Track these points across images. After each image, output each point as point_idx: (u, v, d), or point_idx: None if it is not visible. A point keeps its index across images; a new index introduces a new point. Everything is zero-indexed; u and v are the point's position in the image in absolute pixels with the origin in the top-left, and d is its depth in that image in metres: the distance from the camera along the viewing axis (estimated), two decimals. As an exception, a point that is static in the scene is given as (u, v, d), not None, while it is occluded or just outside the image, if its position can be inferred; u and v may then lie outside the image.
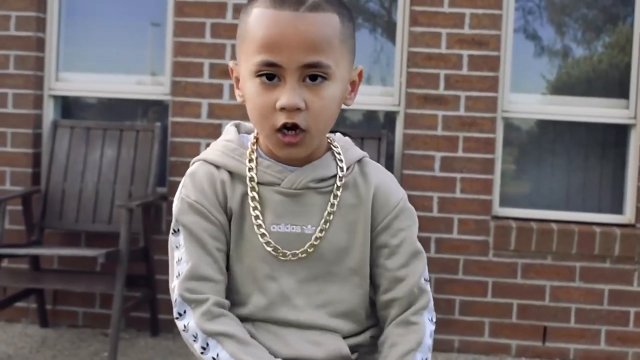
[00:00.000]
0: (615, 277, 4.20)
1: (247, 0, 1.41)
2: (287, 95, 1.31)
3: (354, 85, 1.44)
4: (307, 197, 1.41)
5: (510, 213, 4.32)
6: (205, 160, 1.45)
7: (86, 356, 4.00)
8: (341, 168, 1.43)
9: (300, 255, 1.40)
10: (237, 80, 1.44)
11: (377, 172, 1.49)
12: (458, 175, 4.24)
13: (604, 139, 4.48)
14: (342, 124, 4.52)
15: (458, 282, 4.25)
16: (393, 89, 4.38)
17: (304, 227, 1.40)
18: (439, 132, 4.23)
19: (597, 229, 4.19)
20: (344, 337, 1.45)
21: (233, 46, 4.27)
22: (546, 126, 4.51)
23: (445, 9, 4.22)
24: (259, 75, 1.34)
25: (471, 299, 4.24)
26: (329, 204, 1.41)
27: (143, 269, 4.22)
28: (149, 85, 4.58)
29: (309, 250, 1.40)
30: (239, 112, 4.30)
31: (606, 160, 4.49)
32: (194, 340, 1.40)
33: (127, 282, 3.84)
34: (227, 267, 1.44)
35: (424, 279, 1.47)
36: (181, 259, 1.42)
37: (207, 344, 1.38)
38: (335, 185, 1.42)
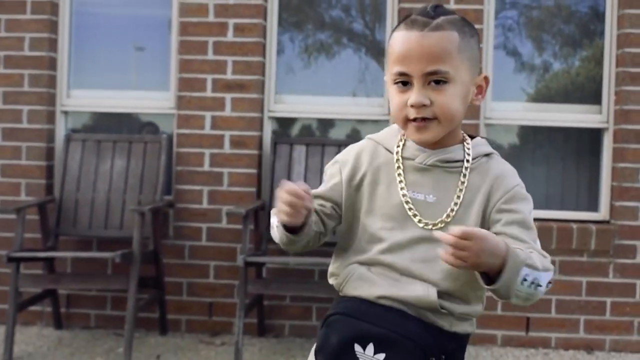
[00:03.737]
0: (592, 269, 4.53)
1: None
2: (414, 95, 1.68)
3: (480, 89, 1.78)
4: (435, 173, 1.74)
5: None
6: (369, 138, 1.85)
7: (102, 352, 4.29)
8: (468, 155, 1.75)
9: (440, 225, 1.70)
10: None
11: (500, 164, 1.79)
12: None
13: (579, 142, 4.82)
14: (339, 134, 4.85)
15: (447, 278, 4.55)
16: (383, 99, 4.71)
17: (427, 196, 1.73)
18: (427, 138, 4.55)
19: (574, 226, 4.52)
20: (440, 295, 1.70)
21: (234, 62, 4.61)
22: (526, 131, 4.86)
23: (430, 24, 4.56)
24: (395, 82, 1.72)
25: (459, 293, 4.54)
26: (459, 183, 1.73)
27: (153, 271, 4.51)
28: (155, 100, 4.88)
29: (441, 224, 1.70)
30: (240, 124, 4.62)
31: (582, 163, 4.83)
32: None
33: (138, 283, 4.14)
34: (355, 220, 1.78)
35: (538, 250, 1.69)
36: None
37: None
38: (463, 168, 1.74)
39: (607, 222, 4.62)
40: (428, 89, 1.68)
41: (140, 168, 4.65)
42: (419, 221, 1.72)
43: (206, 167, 4.67)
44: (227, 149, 4.65)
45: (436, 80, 1.68)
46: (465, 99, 1.74)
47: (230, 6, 4.65)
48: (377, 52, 4.87)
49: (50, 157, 4.81)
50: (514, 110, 4.79)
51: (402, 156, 1.77)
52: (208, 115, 4.67)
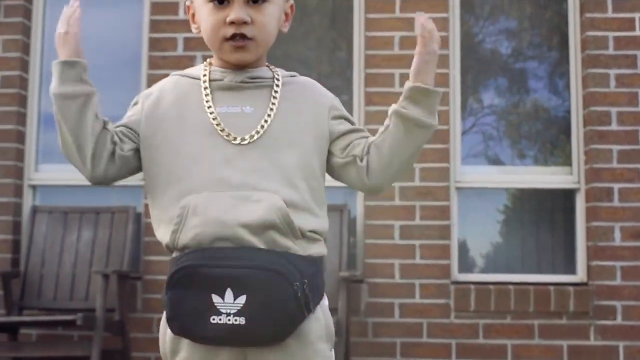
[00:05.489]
0: (572, 332, 4.38)
1: None
2: (236, 11, 1.67)
3: (287, 16, 1.81)
4: (246, 90, 1.73)
5: (469, 278, 4.54)
6: (173, 74, 1.82)
7: None
8: (276, 74, 1.78)
9: (250, 140, 1.67)
10: (193, 15, 1.80)
11: (307, 79, 1.84)
12: (417, 242, 4.48)
13: (552, 204, 4.77)
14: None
15: (423, 345, 4.42)
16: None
17: (244, 108, 1.70)
18: (397, 202, 4.51)
19: (552, 288, 4.40)
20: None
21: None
22: (497, 194, 4.80)
23: (397, 89, 4.58)
24: (211, 0, 1.70)
25: (436, 361, 4.40)
26: (273, 92, 1.73)
27: (119, 343, 4.36)
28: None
29: (256, 135, 1.67)
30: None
31: (556, 224, 4.77)
32: None
33: (103, 357, 4.00)
34: (169, 145, 1.70)
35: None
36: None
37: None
38: (275, 79, 1.75)
39: (585, 284, 4.51)
40: (247, 7, 1.69)
41: (107, 239, 4.57)
42: (228, 135, 1.67)
43: (174, 237, 4.57)
44: (195, 217, 4.57)
45: None
46: (279, 23, 1.77)
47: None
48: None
49: (17, 231, 4.73)
50: (484, 173, 4.75)
51: (209, 79, 1.74)
52: (176, 184, 4.61)
